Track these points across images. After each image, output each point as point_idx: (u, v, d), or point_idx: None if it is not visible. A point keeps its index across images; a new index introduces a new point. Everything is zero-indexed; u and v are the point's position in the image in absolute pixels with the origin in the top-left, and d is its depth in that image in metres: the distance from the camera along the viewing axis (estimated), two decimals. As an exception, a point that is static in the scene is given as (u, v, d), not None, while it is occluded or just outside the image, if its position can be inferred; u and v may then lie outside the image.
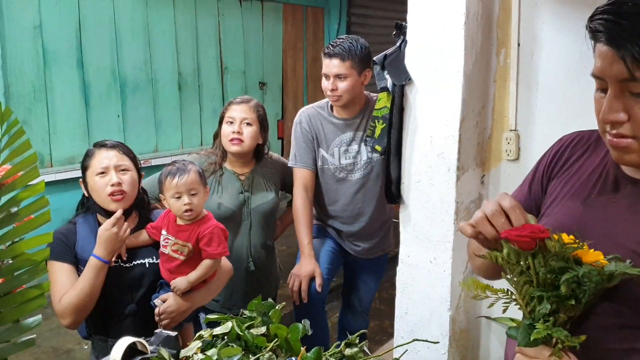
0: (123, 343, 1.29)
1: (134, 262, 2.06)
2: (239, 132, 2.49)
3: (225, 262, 2.20)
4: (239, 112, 2.52)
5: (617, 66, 1.00)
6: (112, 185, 1.97)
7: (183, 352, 1.41)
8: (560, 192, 1.26)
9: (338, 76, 2.57)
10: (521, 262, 1.04)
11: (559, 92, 2.13)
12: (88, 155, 2.04)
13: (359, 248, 2.83)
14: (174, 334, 1.45)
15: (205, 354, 1.34)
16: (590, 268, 0.98)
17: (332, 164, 2.71)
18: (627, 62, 0.99)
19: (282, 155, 7.12)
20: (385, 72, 2.33)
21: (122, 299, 2.03)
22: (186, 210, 2.02)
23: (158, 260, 2.07)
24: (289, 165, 2.78)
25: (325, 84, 2.61)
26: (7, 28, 4.34)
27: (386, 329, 4.29)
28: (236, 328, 1.42)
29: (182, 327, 2.10)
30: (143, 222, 2.14)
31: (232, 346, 1.41)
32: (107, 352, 2.01)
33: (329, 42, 7.30)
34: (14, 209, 1.52)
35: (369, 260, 2.90)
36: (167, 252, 2.02)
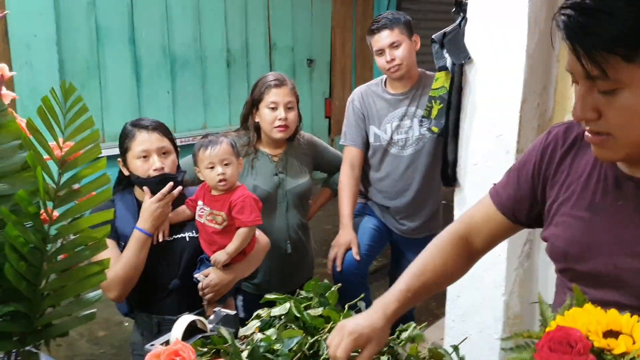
0: (183, 321, 1.30)
1: (174, 237, 2.08)
2: (286, 119, 2.46)
3: (262, 235, 2.21)
4: (281, 97, 2.47)
5: (579, 64, 0.97)
6: (155, 169, 1.98)
7: (242, 331, 1.42)
8: (561, 197, 1.21)
9: (392, 45, 2.57)
10: None
11: (627, 73, 2.04)
12: (127, 136, 2.02)
13: (404, 227, 2.81)
14: (232, 312, 1.46)
15: (264, 334, 1.34)
16: None
17: (384, 140, 2.71)
18: (582, 61, 0.95)
19: (329, 134, 7.14)
20: (444, 50, 2.27)
21: (165, 274, 2.05)
22: (220, 180, 2.04)
23: (197, 234, 2.09)
24: (340, 143, 2.80)
25: (382, 60, 2.60)
26: (61, 4, 4.40)
27: (432, 310, 4.26)
28: (294, 309, 1.42)
29: (225, 300, 2.12)
30: (180, 199, 2.15)
31: (292, 327, 1.40)
32: (152, 328, 2.04)
33: (378, 19, 7.26)
34: (76, 186, 1.54)
35: (415, 240, 2.87)
36: (202, 222, 2.05)
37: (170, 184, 1.99)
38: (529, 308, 2.40)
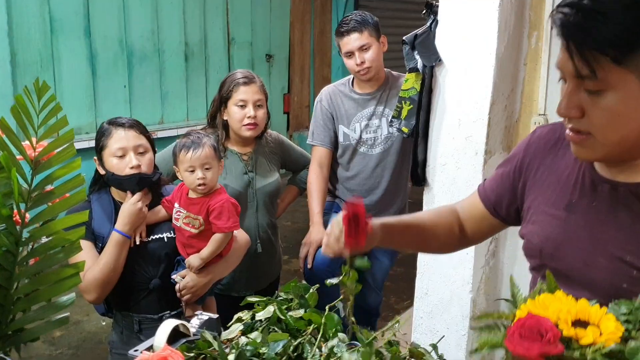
0: (167, 326, 1.28)
1: (151, 237, 2.05)
2: (255, 117, 2.42)
3: (242, 234, 2.20)
4: (250, 94, 2.42)
5: (570, 62, 0.99)
6: (132, 167, 1.94)
7: (224, 335, 1.41)
8: (540, 195, 1.26)
9: (362, 48, 2.59)
10: None
11: (591, 77, 2.11)
12: (104, 134, 1.98)
13: None
14: (215, 316, 1.44)
15: (249, 337, 1.33)
16: None
17: (353, 139, 2.73)
18: (573, 59, 0.98)
19: (287, 130, 7.12)
20: (415, 52, 2.30)
21: (145, 274, 2.02)
22: (199, 185, 2.01)
23: (174, 235, 2.07)
24: (307, 142, 2.81)
25: (351, 62, 2.61)
26: (14, -4, 4.26)
27: (392, 305, 4.34)
28: (278, 312, 1.41)
29: (204, 300, 2.11)
30: (155, 199, 2.12)
31: (274, 329, 1.40)
32: (132, 327, 2.03)
33: (336, 15, 7.29)
34: (49, 187, 1.50)
35: None
36: (179, 225, 2.02)
37: (144, 191, 1.98)
38: (494, 305, 2.46)
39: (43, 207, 1.48)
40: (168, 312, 2.02)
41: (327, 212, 2.80)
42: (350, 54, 2.61)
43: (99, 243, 1.98)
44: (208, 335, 1.30)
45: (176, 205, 2.04)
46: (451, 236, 1.46)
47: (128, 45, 5.10)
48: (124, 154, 1.95)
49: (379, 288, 3.09)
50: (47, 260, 1.49)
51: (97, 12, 4.81)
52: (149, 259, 2.02)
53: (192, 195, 2.05)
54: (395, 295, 4.42)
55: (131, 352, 1.28)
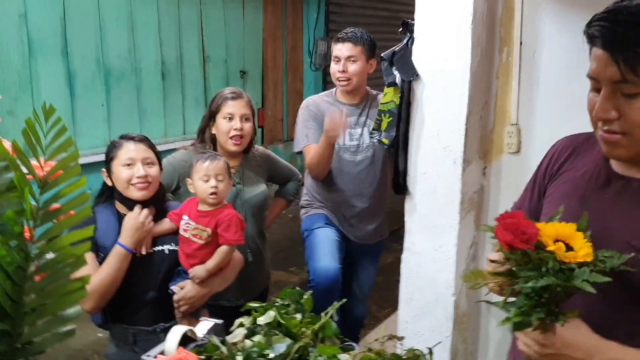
0: (178, 331, 1.36)
1: (153, 249, 2.12)
2: (241, 129, 2.51)
3: (236, 252, 2.28)
4: (238, 109, 2.52)
5: (610, 69, 1.10)
6: (139, 177, 2.04)
7: (229, 339, 1.49)
8: (556, 192, 1.36)
9: (349, 58, 2.74)
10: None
11: (559, 88, 2.25)
12: (115, 146, 2.10)
13: (362, 232, 2.94)
14: (220, 322, 1.52)
15: (253, 341, 1.42)
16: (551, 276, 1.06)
17: (338, 145, 2.83)
18: (620, 66, 1.09)
19: (261, 144, 7.20)
20: (393, 67, 2.42)
21: (143, 286, 2.08)
22: (211, 193, 2.10)
23: (177, 247, 2.14)
24: (298, 150, 2.89)
25: (335, 68, 2.75)
26: (-9, 16, 4.29)
27: (373, 313, 4.42)
28: (279, 317, 1.50)
29: (199, 312, 2.17)
30: (159, 213, 2.19)
31: (275, 333, 1.48)
32: (127, 339, 2.08)
33: (307, 32, 7.42)
34: (55, 205, 1.56)
35: (367, 246, 3.01)
36: (187, 236, 2.09)
37: (148, 210, 2.08)
38: (475, 307, 2.58)
39: (49, 224, 1.55)
40: (162, 323, 2.08)
41: (322, 225, 2.87)
42: (337, 59, 2.77)
43: (102, 254, 2.04)
44: (215, 339, 1.38)
45: (185, 217, 2.12)
46: None
47: (105, 65, 5.14)
48: (132, 164, 2.05)
49: (365, 299, 3.18)
50: (54, 275, 1.56)
51: (75, 32, 4.85)
52: (149, 271, 2.08)
53: (201, 208, 2.14)
54: (375, 304, 4.51)
55: (144, 356, 1.36)
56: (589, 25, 1.13)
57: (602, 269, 1.08)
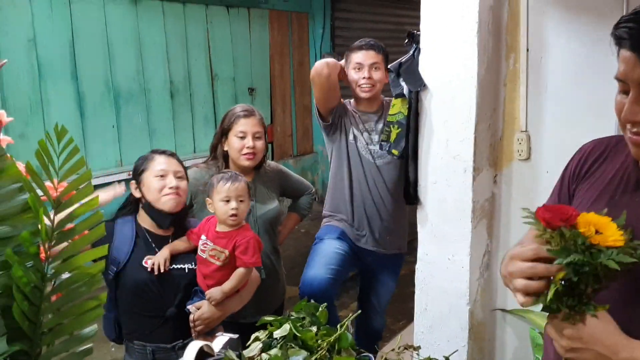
0: (194, 347, 1.36)
1: (173, 266, 2.14)
2: (253, 147, 2.53)
3: (254, 272, 2.28)
4: (250, 127, 2.55)
5: (639, 70, 1.09)
6: (171, 188, 2.08)
7: (245, 353, 1.49)
8: (585, 196, 1.35)
9: (373, 65, 2.77)
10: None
11: (567, 94, 2.25)
12: (147, 159, 2.15)
13: (381, 244, 2.91)
14: (235, 336, 1.53)
15: (270, 354, 1.42)
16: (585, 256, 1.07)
17: (360, 141, 2.85)
18: None
19: (272, 159, 7.22)
20: (401, 79, 2.43)
21: (162, 304, 2.10)
22: (232, 215, 2.11)
23: (195, 266, 2.14)
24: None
25: (357, 75, 2.77)
26: (1, 42, 4.36)
27: (389, 325, 4.39)
28: (294, 330, 1.50)
29: (215, 331, 2.17)
30: (180, 230, 2.21)
31: (292, 346, 1.48)
32: (146, 356, 2.09)
33: (313, 47, 7.45)
34: (70, 225, 1.58)
35: (387, 258, 2.97)
36: (204, 257, 2.10)
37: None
38: (491, 316, 2.56)
39: (64, 244, 1.56)
40: (181, 341, 2.09)
41: (334, 237, 2.85)
42: (360, 67, 2.77)
43: (114, 267, 2.05)
44: (232, 354, 1.38)
45: (203, 237, 2.13)
46: None
47: (114, 86, 5.20)
48: (164, 175, 2.09)
49: (383, 312, 3.16)
50: (70, 294, 1.57)
51: (83, 55, 4.92)
52: (169, 288, 2.10)
53: (220, 228, 2.15)
54: (390, 317, 4.49)
55: (162, 373, 1.36)
56: (617, 26, 1.12)
57: (631, 254, 1.07)
